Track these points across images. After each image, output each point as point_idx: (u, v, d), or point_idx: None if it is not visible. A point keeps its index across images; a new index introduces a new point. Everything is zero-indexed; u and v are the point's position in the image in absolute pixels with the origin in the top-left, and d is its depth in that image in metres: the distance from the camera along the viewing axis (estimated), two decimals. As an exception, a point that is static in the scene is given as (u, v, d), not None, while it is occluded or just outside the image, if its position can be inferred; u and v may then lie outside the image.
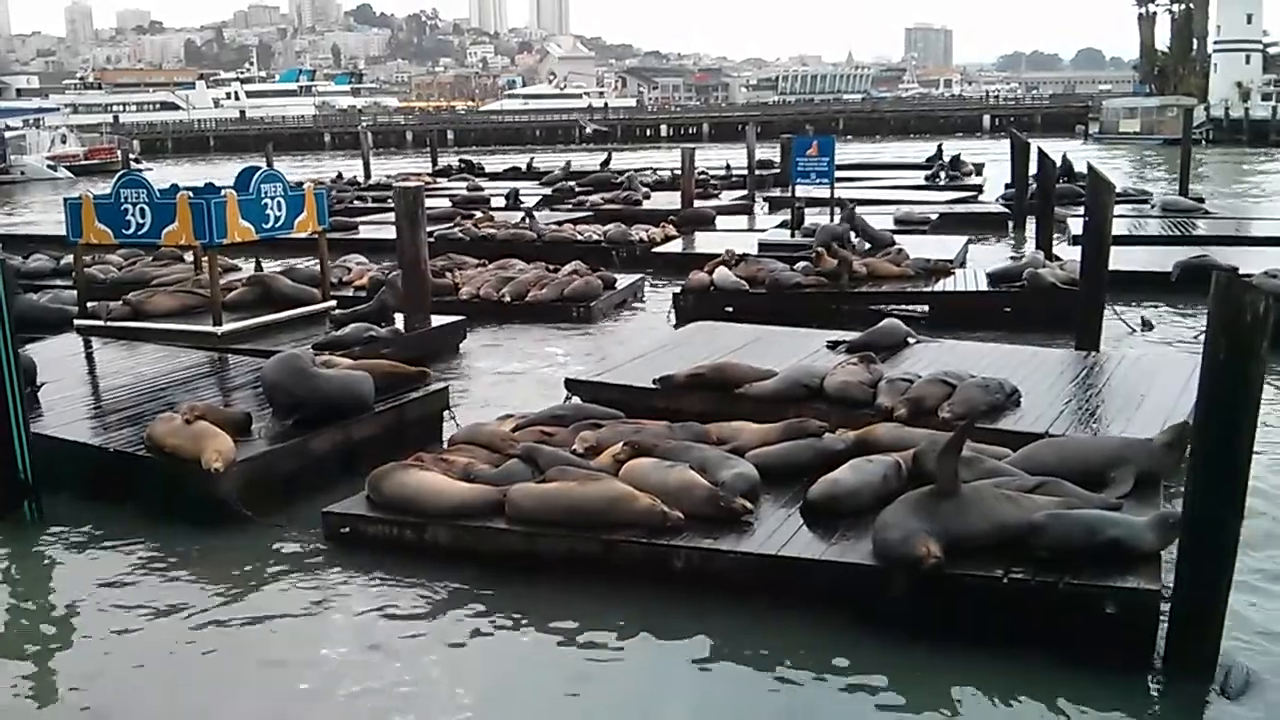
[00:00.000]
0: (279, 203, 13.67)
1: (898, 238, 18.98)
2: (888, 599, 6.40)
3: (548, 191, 32.59)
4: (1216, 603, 5.85)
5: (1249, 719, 5.64)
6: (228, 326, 13.04)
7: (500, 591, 7.08)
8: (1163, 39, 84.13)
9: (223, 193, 13.16)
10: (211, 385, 10.87)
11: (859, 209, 19.59)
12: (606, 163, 41.71)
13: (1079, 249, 14.31)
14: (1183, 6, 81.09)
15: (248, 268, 17.09)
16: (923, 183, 34.33)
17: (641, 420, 9.04)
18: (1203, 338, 5.85)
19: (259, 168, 14.19)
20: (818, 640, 6.39)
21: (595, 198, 30.13)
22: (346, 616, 6.98)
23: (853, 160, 42.55)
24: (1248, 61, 72.26)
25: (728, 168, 38.55)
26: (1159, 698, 5.82)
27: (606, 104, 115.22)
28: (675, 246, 21.73)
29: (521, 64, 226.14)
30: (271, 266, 17.36)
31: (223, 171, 20.02)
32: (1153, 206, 25.32)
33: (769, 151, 37.56)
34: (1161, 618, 6.05)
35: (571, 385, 10.81)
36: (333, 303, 14.41)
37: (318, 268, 14.98)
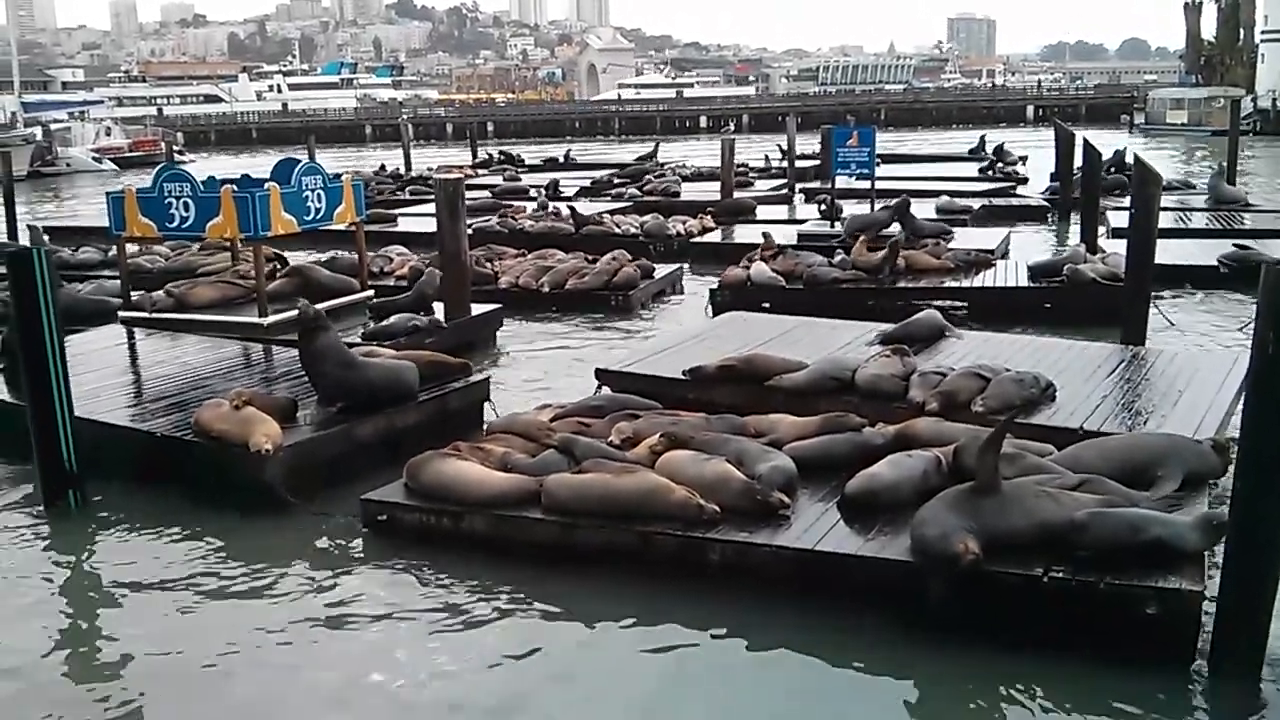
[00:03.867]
0: (319, 194, 13.76)
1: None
2: (925, 596, 6.34)
3: (586, 182, 32.63)
4: (1264, 603, 5.75)
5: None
6: (273, 318, 13.13)
7: (535, 582, 7.10)
8: (1209, 29, 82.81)
9: (266, 185, 13.27)
10: (255, 374, 10.99)
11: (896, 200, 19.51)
12: (653, 155, 41.50)
13: (1121, 241, 14.13)
14: (1229, -4, 79.80)
15: (298, 258, 17.17)
16: (964, 174, 34.04)
17: (679, 411, 9.03)
18: (1247, 331, 5.75)
19: (298, 160, 14.29)
20: (853, 636, 6.35)
21: (633, 189, 30.13)
22: (382, 602, 7.03)
23: (894, 151, 42.23)
24: (1295, 52, 70.95)
25: (766, 159, 38.40)
26: (1203, 699, 5.74)
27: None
28: (714, 237, 21.69)
29: (561, 56, 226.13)
30: (309, 257, 17.49)
31: (265, 163, 20.20)
32: (1208, 197, 24.94)
33: (810, 144, 37.42)
34: (1205, 619, 5.96)
35: (601, 375, 10.80)
36: (371, 292, 14.50)
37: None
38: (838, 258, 16.07)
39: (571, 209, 23.07)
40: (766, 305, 14.75)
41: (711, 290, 15.81)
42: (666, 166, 36.97)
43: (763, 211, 25.05)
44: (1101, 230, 20.11)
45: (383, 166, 40.68)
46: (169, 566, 7.72)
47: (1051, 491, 6.67)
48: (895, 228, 18.22)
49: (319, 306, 13.73)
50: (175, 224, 13.37)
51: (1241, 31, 78.22)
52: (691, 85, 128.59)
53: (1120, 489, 6.92)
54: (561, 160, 43.96)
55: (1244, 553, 5.75)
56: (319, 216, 13.84)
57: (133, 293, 14.25)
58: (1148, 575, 6.03)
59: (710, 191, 27.83)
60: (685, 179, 32.72)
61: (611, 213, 23.98)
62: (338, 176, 14.68)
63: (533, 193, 29.95)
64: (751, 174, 34.21)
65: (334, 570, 7.53)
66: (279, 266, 15.53)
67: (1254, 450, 5.68)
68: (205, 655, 6.49)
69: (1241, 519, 5.75)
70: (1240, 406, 6.87)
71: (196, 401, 9.56)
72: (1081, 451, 7.63)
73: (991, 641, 6.17)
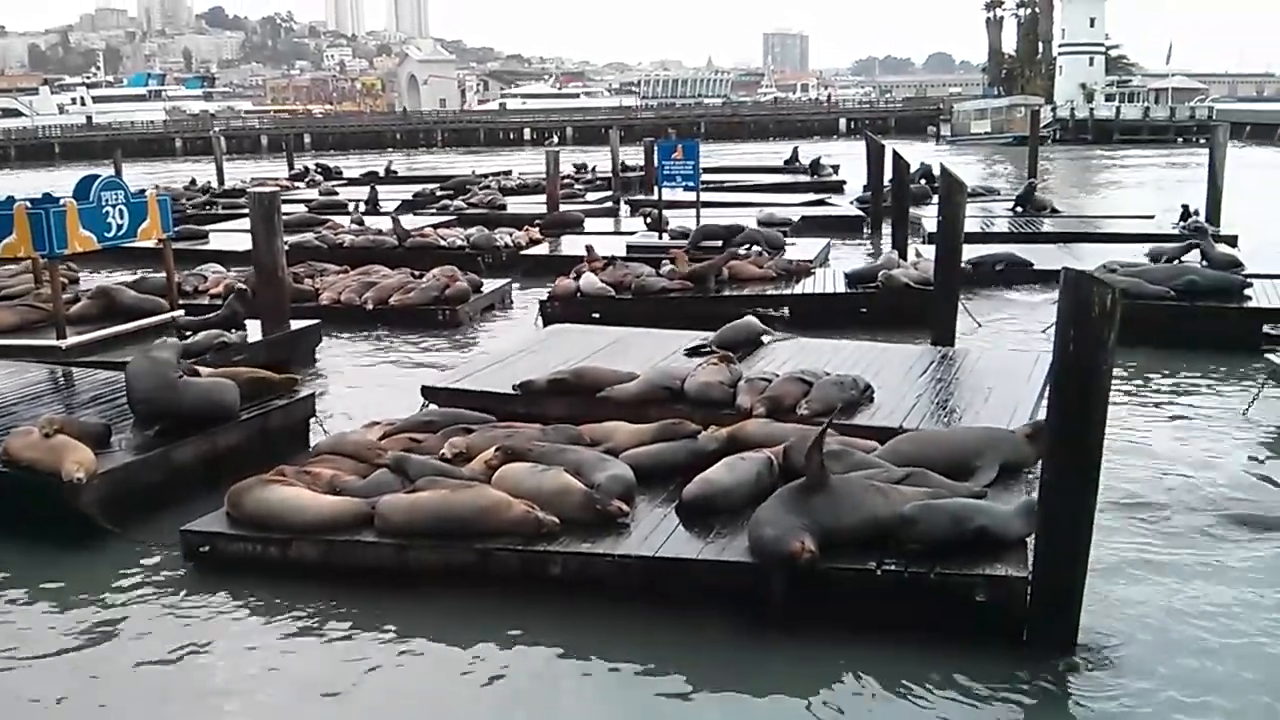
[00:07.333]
0: (121, 210, 13.19)
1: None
2: (766, 595, 6.45)
3: (409, 195, 32.14)
4: (1075, 585, 6.08)
5: (1107, 688, 5.88)
6: (72, 340, 12.55)
7: (371, 607, 6.91)
8: (1010, 43, 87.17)
9: (62, 202, 12.65)
10: (59, 400, 10.43)
11: (720, 210, 19.94)
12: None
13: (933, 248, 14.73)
14: (1029, 11, 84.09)
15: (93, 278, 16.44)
16: (783, 183, 35.03)
17: (513, 424, 8.96)
18: (1049, 332, 6.04)
19: (98, 175, 13.66)
20: (698, 639, 6.42)
21: (458, 202, 29.83)
22: (208, 637, 6.73)
23: (714, 164, 43.01)
24: (1091, 64, 75.36)
25: (583, 168, 38.62)
26: (1025, 679, 5.98)
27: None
28: (543, 249, 21.64)
29: (380, 67, 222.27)
30: (124, 277, 16.79)
31: (69, 178, 19.41)
32: (1016, 207, 26.08)
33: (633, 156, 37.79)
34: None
35: (429, 393, 10.63)
36: (180, 311, 13.97)
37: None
38: (665, 268, 16.28)
39: (395, 220, 22.58)
40: (597, 316, 14.82)
41: (541, 302, 15.78)
42: (489, 178, 36.74)
43: (589, 224, 25.15)
44: (917, 240, 20.91)
45: (193, 180, 39.28)
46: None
47: (880, 486, 6.90)
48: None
49: (126, 328, 13.37)
50: (-33, 244, 12.62)
51: (1040, 45, 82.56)
52: (577, 96, 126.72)
53: (944, 481, 7.21)
54: (382, 174, 43.17)
55: (1054, 536, 6.06)
56: (121, 233, 13.27)
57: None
58: (975, 563, 6.31)
59: (536, 204, 27.78)
60: (509, 191, 32.60)
61: (435, 226, 23.65)
62: (143, 191, 14.12)
63: (351, 206, 29.33)
64: (578, 186, 34.29)
65: (156, 605, 7.17)
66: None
67: (1058, 441, 6.02)
68: (15, 698, 6.11)
69: (1050, 507, 6.07)
70: (1045, 402, 7.23)
71: (2, 429, 9.03)
72: (901, 445, 7.93)
73: (832, 635, 6.32)
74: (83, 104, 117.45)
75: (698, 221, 20.73)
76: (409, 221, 23.73)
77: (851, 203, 28.76)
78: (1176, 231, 19.96)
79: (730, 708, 5.89)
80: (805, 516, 6.48)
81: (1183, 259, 16.40)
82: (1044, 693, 5.89)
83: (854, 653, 6.23)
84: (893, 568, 6.37)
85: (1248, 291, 14.26)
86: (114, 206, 13.12)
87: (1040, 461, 6.89)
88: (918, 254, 17.79)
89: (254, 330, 13.25)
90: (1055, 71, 77.77)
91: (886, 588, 6.34)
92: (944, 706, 5.80)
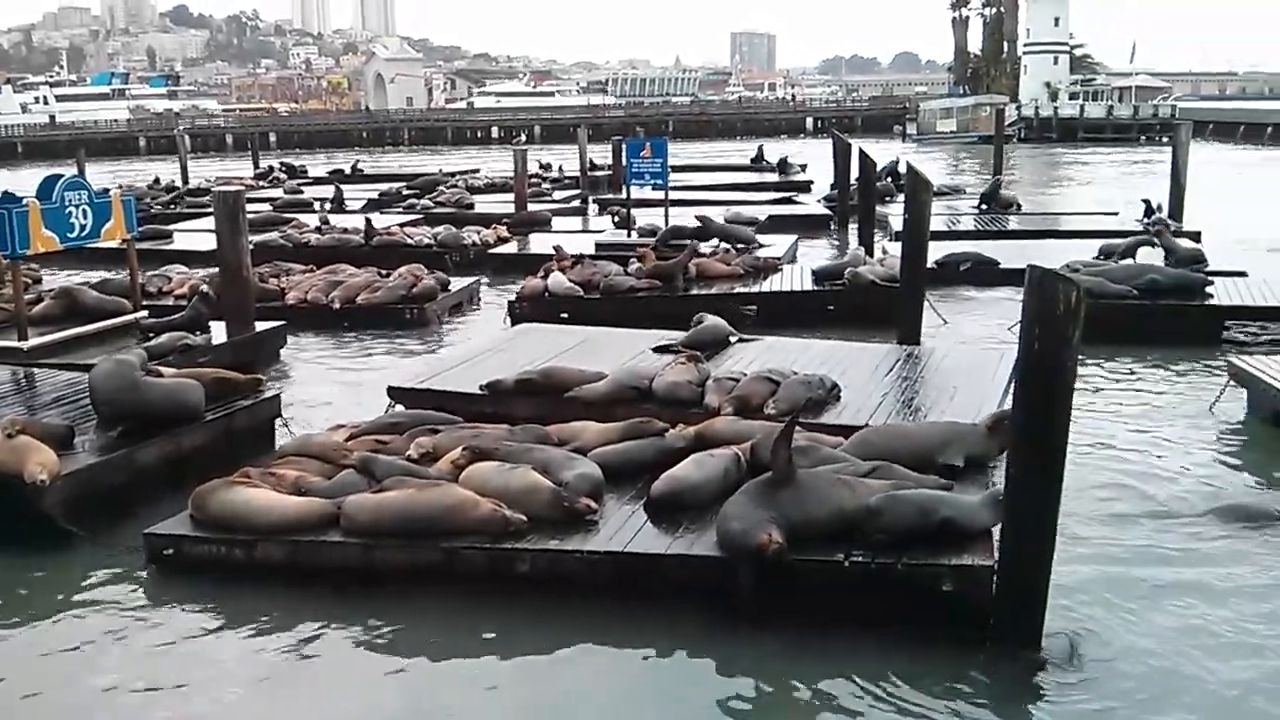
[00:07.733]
0: (84, 210, 13.03)
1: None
2: (734, 588, 6.47)
3: (375, 194, 31.98)
4: (1040, 577, 6.12)
5: (1072, 684, 5.93)
6: (34, 341, 12.41)
7: (339, 608, 6.87)
8: (975, 42, 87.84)
9: (24, 202, 12.50)
10: (21, 401, 10.31)
11: (688, 209, 19.92)
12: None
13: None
14: (994, 10, 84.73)
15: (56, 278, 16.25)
16: (751, 182, 35.09)
17: (480, 424, 8.93)
18: (1014, 331, 6.08)
19: (61, 175, 13.51)
20: (668, 634, 6.42)
21: (425, 200, 29.70)
22: (172, 642, 6.66)
23: (681, 162, 43.08)
24: (1055, 63, 75.94)
25: (548, 167, 38.56)
26: (991, 669, 6.03)
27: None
28: (511, 248, 21.61)
29: (347, 65, 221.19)
30: (87, 278, 16.60)
31: (32, 178, 19.20)
32: (981, 205, 26.21)
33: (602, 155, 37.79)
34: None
35: (395, 394, 10.58)
36: (144, 313, 13.85)
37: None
38: (633, 266, 16.28)
39: (367, 221, 22.45)
40: (565, 315, 14.79)
41: (510, 302, 15.73)
42: (457, 177, 36.61)
43: (557, 223, 25.11)
44: (882, 235, 21.01)
45: (157, 180, 38.91)
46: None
47: (847, 479, 6.94)
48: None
49: (88, 329, 13.25)
50: (-73, 244, 12.44)
51: (1005, 44, 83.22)
52: (552, 95, 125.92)
53: (909, 473, 7.27)
54: (348, 172, 42.93)
55: (1019, 529, 6.11)
56: (85, 233, 13.12)
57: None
58: (941, 554, 6.36)
59: (504, 203, 27.71)
60: (477, 190, 32.50)
61: (402, 225, 23.55)
62: (106, 191, 13.97)
63: (317, 205, 29.14)
64: (545, 184, 34.22)
65: (119, 608, 7.10)
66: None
67: (1023, 438, 6.06)
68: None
69: (1015, 498, 6.11)
70: (1010, 399, 7.29)
71: (-42, 434, 8.90)
72: (868, 438, 7.98)
73: (802, 628, 6.35)
74: (46, 103, 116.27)
75: (666, 220, 20.75)
76: (376, 220, 23.61)
77: (818, 201, 28.86)
78: (1140, 228, 20.13)
79: (701, 701, 5.89)
80: (772, 509, 6.51)
81: (1136, 255, 16.58)
82: (1009, 687, 5.94)
83: (824, 645, 6.26)
84: (860, 559, 6.41)
85: (1209, 289, 14.42)
86: (77, 206, 12.97)
87: (1004, 453, 6.94)
88: (884, 251, 17.88)
89: (219, 332, 13.16)
90: (1020, 70, 78.37)
91: (854, 579, 6.39)
92: (911, 699, 5.83)
